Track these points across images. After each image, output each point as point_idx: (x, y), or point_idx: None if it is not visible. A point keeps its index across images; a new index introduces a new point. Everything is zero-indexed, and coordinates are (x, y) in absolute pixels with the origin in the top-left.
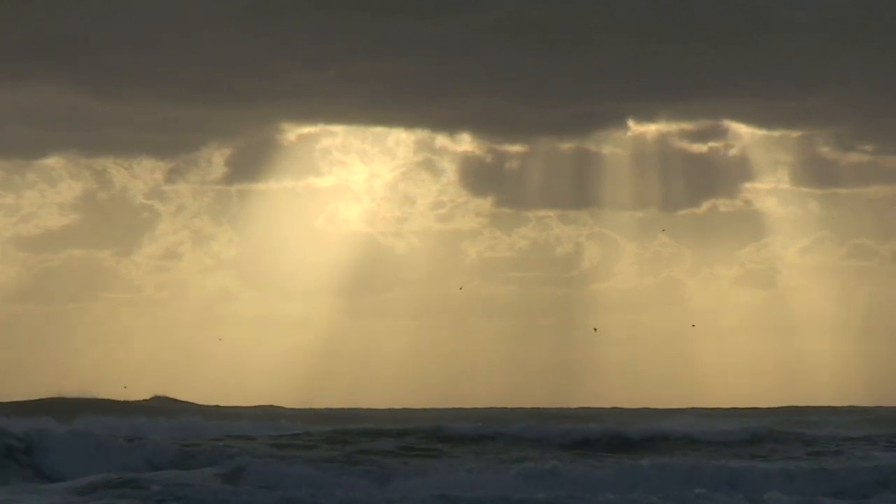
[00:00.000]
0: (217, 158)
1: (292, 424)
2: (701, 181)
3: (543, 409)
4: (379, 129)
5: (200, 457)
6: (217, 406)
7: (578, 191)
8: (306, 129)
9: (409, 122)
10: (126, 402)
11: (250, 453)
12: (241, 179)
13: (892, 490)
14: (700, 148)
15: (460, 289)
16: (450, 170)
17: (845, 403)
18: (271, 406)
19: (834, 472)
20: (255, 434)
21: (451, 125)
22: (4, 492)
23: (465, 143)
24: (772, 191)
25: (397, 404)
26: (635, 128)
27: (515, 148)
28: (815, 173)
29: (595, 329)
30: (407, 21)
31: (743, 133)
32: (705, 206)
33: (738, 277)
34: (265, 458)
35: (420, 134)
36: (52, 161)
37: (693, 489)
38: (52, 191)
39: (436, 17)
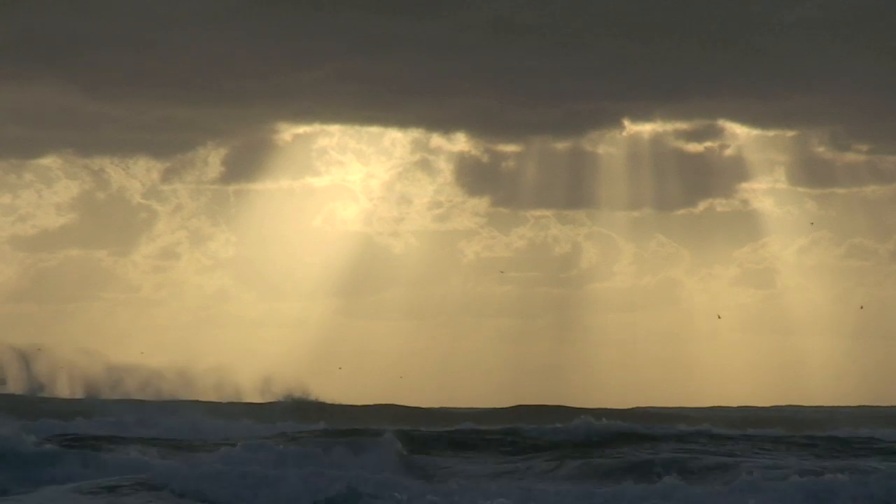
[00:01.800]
0: (213, 158)
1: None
2: (698, 181)
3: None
4: (375, 129)
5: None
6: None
7: (575, 191)
8: (302, 129)
9: (405, 122)
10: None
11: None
12: (237, 179)
13: None
14: (696, 148)
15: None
16: (446, 170)
17: (844, 403)
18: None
19: None
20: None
21: (447, 125)
22: None
23: (462, 143)
24: (769, 191)
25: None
26: (631, 127)
27: (512, 148)
28: (812, 173)
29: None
30: (403, 21)
31: (739, 133)
32: (702, 205)
33: (736, 277)
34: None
35: (416, 133)
36: (49, 161)
37: None
38: (48, 191)
39: (432, 17)
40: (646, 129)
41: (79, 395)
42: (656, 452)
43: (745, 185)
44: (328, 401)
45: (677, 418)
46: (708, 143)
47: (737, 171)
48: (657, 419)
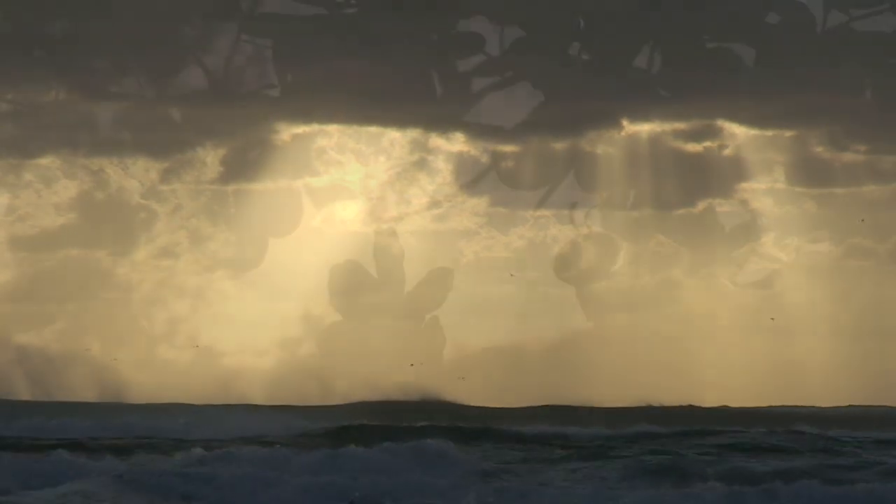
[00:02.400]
0: (212, 158)
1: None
2: (697, 181)
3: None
4: (374, 129)
5: None
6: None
7: (574, 191)
8: (301, 129)
9: (403, 122)
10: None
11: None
12: (236, 179)
13: None
14: (695, 147)
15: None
16: (445, 170)
17: (843, 404)
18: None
19: None
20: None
21: (445, 125)
22: None
23: (460, 143)
24: (768, 191)
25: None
26: (630, 127)
27: (511, 148)
28: (812, 173)
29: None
30: (402, 20)
31: (738, 133)
32: (701, 205)
33: (735, 277)
34: None
35: (415, 133)
36: (48, 161)
37: None
38: (47, 191)
39: (431, 17)
40: (644, 128)
41: (79, 396)
42: (718, 455)
43: (744, 185)
44: (330, 401)
45: (681, 417)
46: (707, 143)
47: (736, 171)
48: (662, 419)
